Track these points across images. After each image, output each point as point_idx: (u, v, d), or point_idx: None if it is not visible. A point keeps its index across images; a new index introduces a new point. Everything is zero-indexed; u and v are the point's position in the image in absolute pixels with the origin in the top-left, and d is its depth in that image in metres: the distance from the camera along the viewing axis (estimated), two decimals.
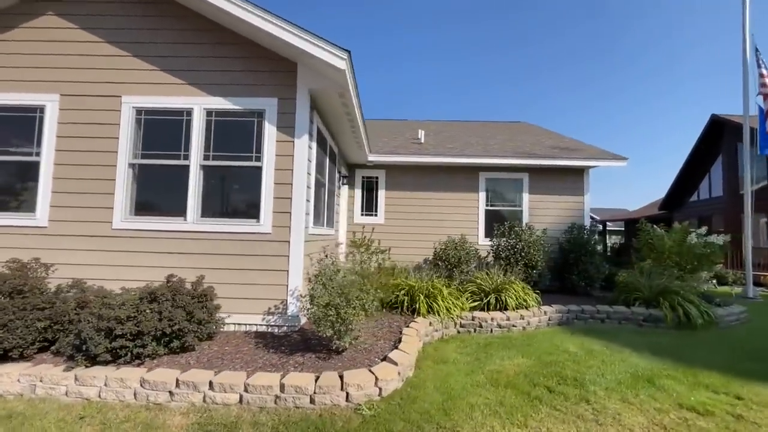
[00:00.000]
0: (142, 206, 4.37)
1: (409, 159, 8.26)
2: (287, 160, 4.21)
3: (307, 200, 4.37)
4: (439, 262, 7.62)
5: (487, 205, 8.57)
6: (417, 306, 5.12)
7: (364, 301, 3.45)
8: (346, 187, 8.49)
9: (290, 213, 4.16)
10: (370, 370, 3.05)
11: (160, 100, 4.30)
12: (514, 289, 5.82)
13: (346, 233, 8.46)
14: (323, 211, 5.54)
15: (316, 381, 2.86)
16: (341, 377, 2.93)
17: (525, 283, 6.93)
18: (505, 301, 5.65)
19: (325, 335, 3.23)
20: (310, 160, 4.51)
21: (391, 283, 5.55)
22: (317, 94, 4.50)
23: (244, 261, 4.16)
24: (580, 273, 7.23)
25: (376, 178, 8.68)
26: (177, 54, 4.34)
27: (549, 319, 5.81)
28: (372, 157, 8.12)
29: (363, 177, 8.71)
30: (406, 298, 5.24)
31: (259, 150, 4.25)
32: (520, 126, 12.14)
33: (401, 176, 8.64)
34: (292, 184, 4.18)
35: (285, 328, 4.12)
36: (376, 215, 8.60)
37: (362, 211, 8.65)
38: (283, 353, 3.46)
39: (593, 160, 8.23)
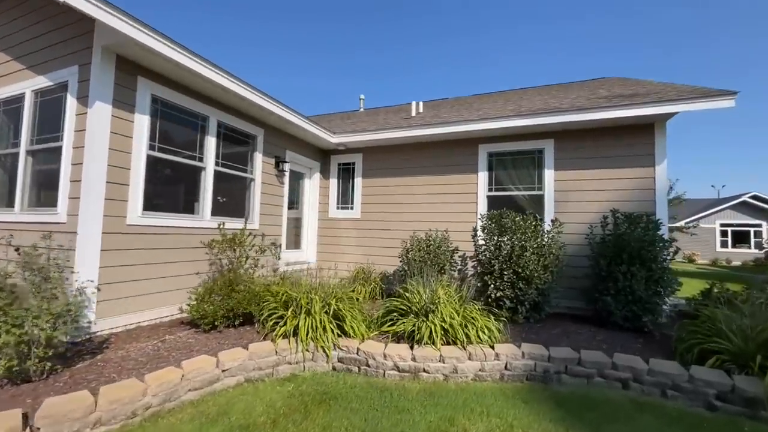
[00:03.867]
0: (7, 197, 4.38)
1: (383, 136, 6.51)
2: (83, 136, 3.52)
3: (113, 182, 3.58)
4: (404, 267, 5.77)
5: (489, 190, 6.13)
6: (280, 324, 3.70)
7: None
8: (318, 176, 7.38)
9: (79, 198, 3.44)
10: None
11: (9, 89, 4.22)
12: (441, 312, 3.70)
13: (318, 230, 7.36)
14: (204, 198, 4.65)
15: None
16: None
17: (517, 302, 4.53)
18: (420, 330, 3.62)
19: None
20: (125, 135, 3.71)
21: (272, 290, 4.25)
22: (133, 55, 3.67)
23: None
24: (619, 294, 4.27)
25: (353, 164, 7.27)
26: (20, 41, 4.19)
27: (506, 368, 3.46)
28: (336, 139, 6.79)
29: (339, 164, 7.41)
30: (276, 312, 3.87)
31: (63, 128, 3.69)
32: (589, 83, 8.55)
33: (380, 160, 6.98)
34: (82, 164, 3.46)
35: (79, 339, 3.42)
36: (352, 208, 7.19)
37: (338, 203, 7.38)
38: None
39: (669, 104, 4.85)
